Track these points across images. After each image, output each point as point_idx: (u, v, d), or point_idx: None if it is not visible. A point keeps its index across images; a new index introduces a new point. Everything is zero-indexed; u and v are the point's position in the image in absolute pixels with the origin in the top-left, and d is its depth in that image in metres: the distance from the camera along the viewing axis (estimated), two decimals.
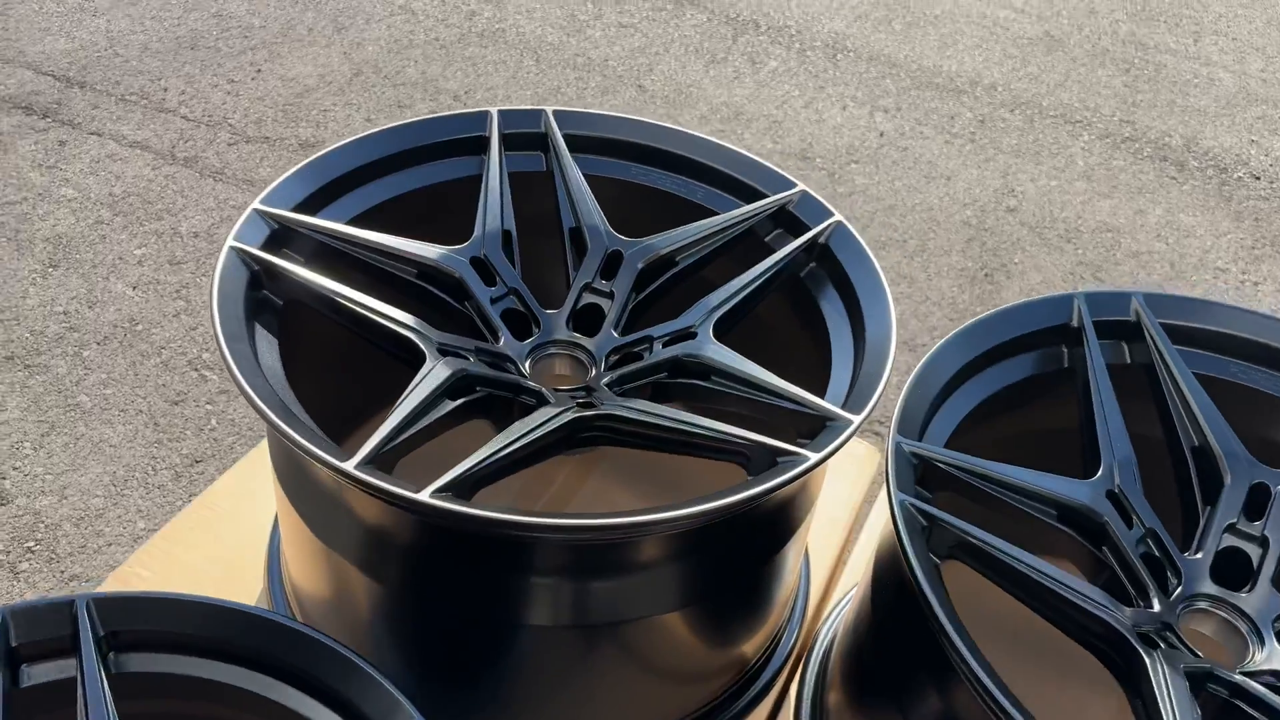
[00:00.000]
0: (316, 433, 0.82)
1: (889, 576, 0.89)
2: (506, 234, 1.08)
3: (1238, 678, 0.81)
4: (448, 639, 0.94)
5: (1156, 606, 0.86)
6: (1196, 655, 0.83)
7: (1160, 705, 0.74)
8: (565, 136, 1.17)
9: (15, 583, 1.60)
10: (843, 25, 3.47)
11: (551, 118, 1.17)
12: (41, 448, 1.80)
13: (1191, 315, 1.04)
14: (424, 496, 0.75)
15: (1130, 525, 0.90)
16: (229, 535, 1.17)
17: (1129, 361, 1.03)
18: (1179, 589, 0.89)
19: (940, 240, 2.65)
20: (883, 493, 1.01)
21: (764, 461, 0.86)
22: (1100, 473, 0.92)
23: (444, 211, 1.12)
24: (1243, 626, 0.89)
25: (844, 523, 1.34)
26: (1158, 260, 2.68)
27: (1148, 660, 0.78)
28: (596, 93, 3.02)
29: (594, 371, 1.01)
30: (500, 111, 1.16)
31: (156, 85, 2.75)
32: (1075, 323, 1.01)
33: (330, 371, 1.00)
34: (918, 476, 0.87)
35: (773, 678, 1.13)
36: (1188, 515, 0.95)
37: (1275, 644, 0.87)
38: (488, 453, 0.82)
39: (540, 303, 1.06)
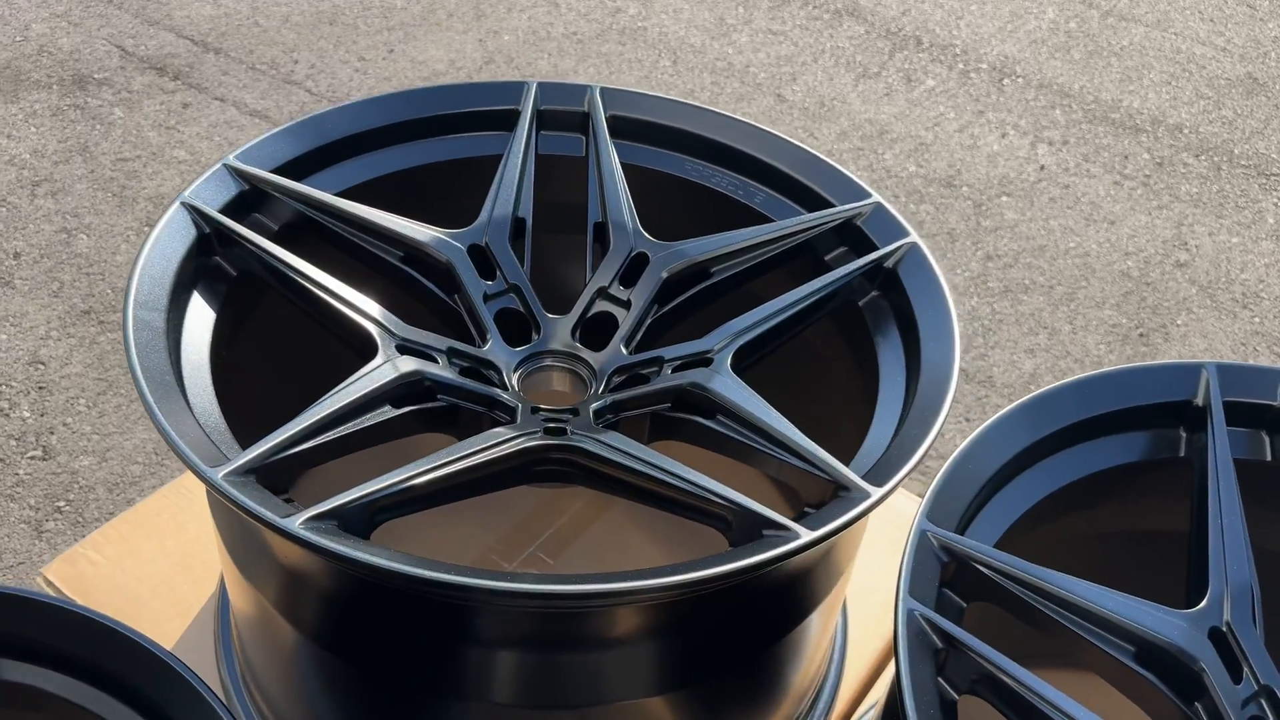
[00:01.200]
0: (205, 426, 0.69)
1: (893, 703, 0.69)
2: (519, 222, 0.93)
3: None
4: (374, 703, 0.79)
5: None
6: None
7: None
8: (612, 119, 1.01)
9: (38, 542, 1.56)
10: (1015, 49, 3.18)
11: (598, 95, 1.01)
12: (95, 406, 1.76)
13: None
14: (290, 523, 0.60)
15: (1238, 679, 0.68)
16: (194, 526, 1.06)
17: (1270, 459, 0.80)
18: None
19: (1093, 291, 2.36)
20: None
21: (748, 531, 0.68)
22: (1205, 603, 0.69)
23: (458, 193, 0.98)
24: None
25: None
26: None
27: None
28: (731, 99, 2.85)
29: (591, 391, 0.85)
30: (541, 84, 1.02)
31: (288, 57, 2.75)
32: (1200, 400, 0.78)
33: (276, 360, 0.87)
34: (946, 579, 0.66)
35: None
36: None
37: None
38: (398, 478, 0.66)
39: (548, 305, 0.91)
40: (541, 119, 1.01)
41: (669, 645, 0.74)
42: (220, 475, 0.62)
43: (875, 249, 0.89)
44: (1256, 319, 2.33)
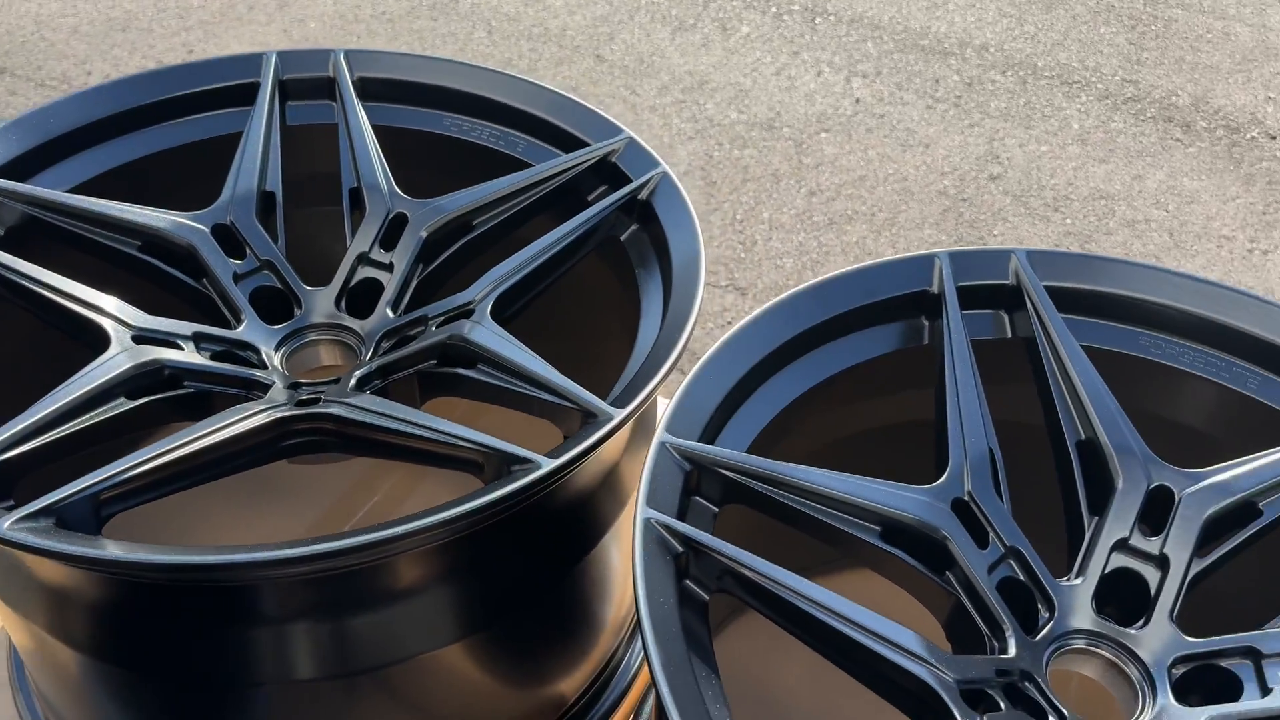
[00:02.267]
0: None
1: None
2: (267, 196, 0.91)
3: None
4: (174, 709, 0.77)
5: (1013, 650, 0.67)
6: (1063, 715, 0.64)
7: None
8: (360, 81, 0.99)
9: None
10: None
11: (343, 59, 0.99)
12: None
13: (1089, 276, 0.84)
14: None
15: (984, 544, 0.71)
16: None
17: (1010, 335, 0.84)
18: (1050, 624, 0.70)
19: (913, 213, 2.43)
20: None
21: (498, 470, 0.68)
22: (946, 477, 0.72)
23: (202, 176, 0.94)
24: (1133, 671, 0.69)
25: None
26: (1155, 229, 2.44)
27: (953, 711, 0.59)
28: (550, 64, 2.84)
29: (360, 360, 0.84)
30: (281, 53, 0.99)
31: (80, 69, 2.62)
32: (936, 288, 0.82)
33: (5, 369, 0.83)
34: (695, 486, 0.68)
35: (605, 716, 0.95)
36: (1072, 529, 0.75)
37: (1170, 698, 0.67)
38: (121, 466, 0.64)
39: (313, 279, 0.89)
40: (285, 89, 0.99)
41: (456, 590, 0.74)
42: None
43: (629, 183, 0.90)
44: (1068, 220, 2.44)
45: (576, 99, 0.97)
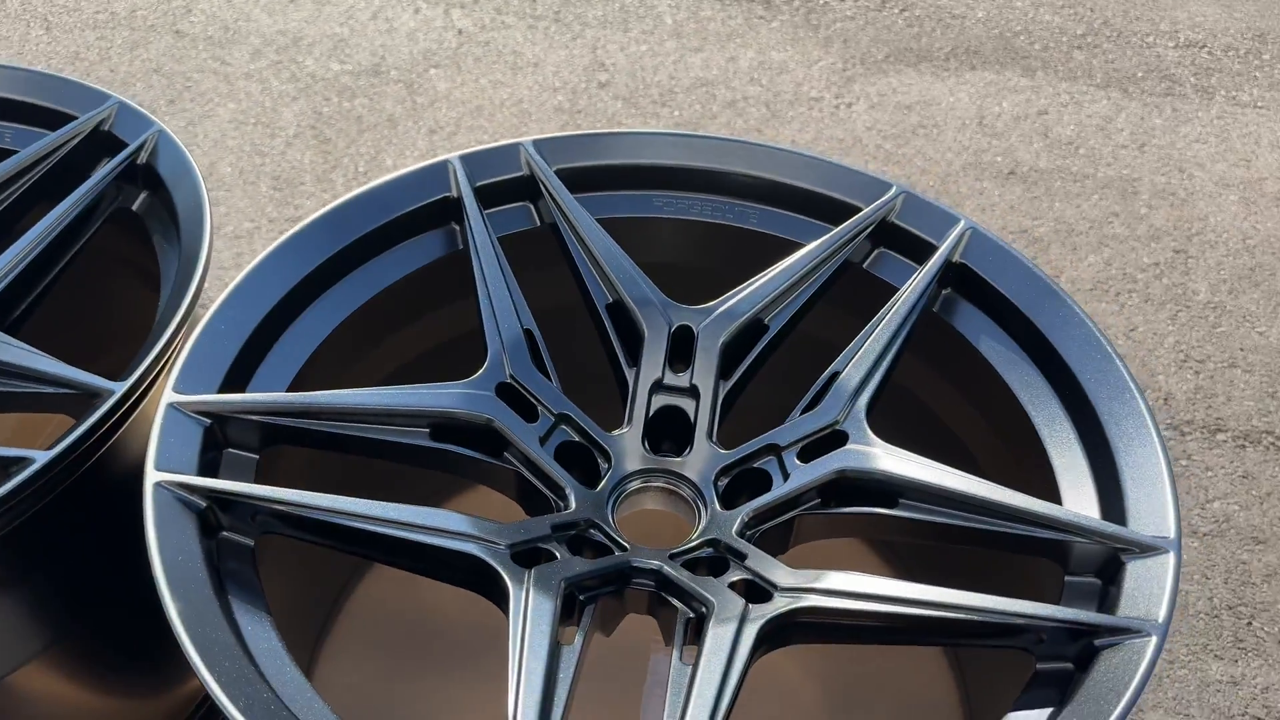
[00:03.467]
0: None
1: None
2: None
3: (659, 564, 0.67)
4: None
5: (573, 504, 0.71)
6: (622, 548, 0.69)
7: (511, 629, 0.59)
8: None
9: None
10: None
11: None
12: None
13: (596, 153, 0.88)
14: None
15: (534, 418, 0.75)
16: None
17: (539, 223, 0.87)
18: (609, 473, 0.75)
19: (533, 132, 2.47)
20: None
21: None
22: (485, 366, 0.75)
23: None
24: (685, 492, 0.75)
25: None
26: (754, 104, 2.62)
27: (511, 582, 0.62)
28: (124, 49, 2.62)
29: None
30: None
31: None
32: (455, 193, 0.83)
33: None
34: (227, 439, 0.67)
35: None
36: (619, 384, 0.80)
37: (718, 505, 0.74)
38: None
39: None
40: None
41: (17, 604, 0.69)
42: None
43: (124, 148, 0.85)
44: (676, 112, 2.57)
45: (52, 73, 0.90)
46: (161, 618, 0.81)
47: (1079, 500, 0.66)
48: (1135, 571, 0.60)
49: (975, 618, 0.59)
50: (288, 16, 2.77)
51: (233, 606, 0.57)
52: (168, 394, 0.64)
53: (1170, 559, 0.59)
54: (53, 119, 0.90)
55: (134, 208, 0.86)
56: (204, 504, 0.61)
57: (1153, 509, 0.62)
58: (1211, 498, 1.82)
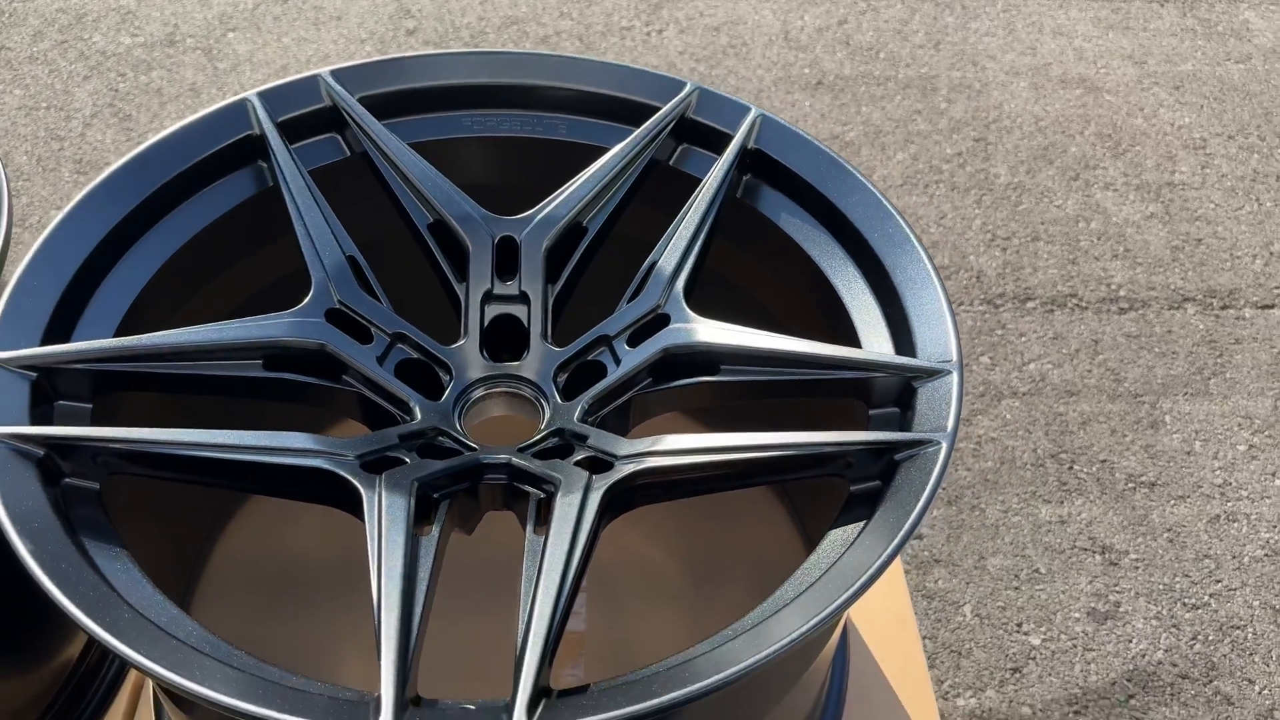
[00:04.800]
0: None
1: None
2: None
3: (506, 456, 0.71)
4: None
5: (419, 415, 0.74)
6: (470, 448, 0.72)
7: (368, 531, 0.62)
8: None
9: None
10: None
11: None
12: None
13: (397, 78, 0.89)
14: None
15: (368, 339, 0.77)
16: None
17: (349, 154, 0.88)
18: (451, 384, 0.78)
19: None
20: None
21: None
22: (311, 294, 0.76)
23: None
24: (527, 393, 0.79)
25: None
26: (566, 38, 2.64)
27: (363, 488, 0.65)
28: None
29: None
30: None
31: None
32: (258, 130, 0.83)
33: None
34: (58, 391, 0.66)
35: (121, 666, 0.93)
36: (451, 300, 0.83)
37: (559, 398, 0.78)
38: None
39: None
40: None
41: None
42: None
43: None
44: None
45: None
46: (22, 595, 0.81)
47: (876, 343, 0.73)
48: (925, 394, 0.67)
49: (793, 452, 0.65)
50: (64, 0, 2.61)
51: (86, 546, 0.58)
52: None
53: (954, 378, 0.66)
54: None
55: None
56: (41, 452, 0.61)
57: (937, 341, 0.69)
58: (1027, 360, 1.98)
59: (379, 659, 0.54)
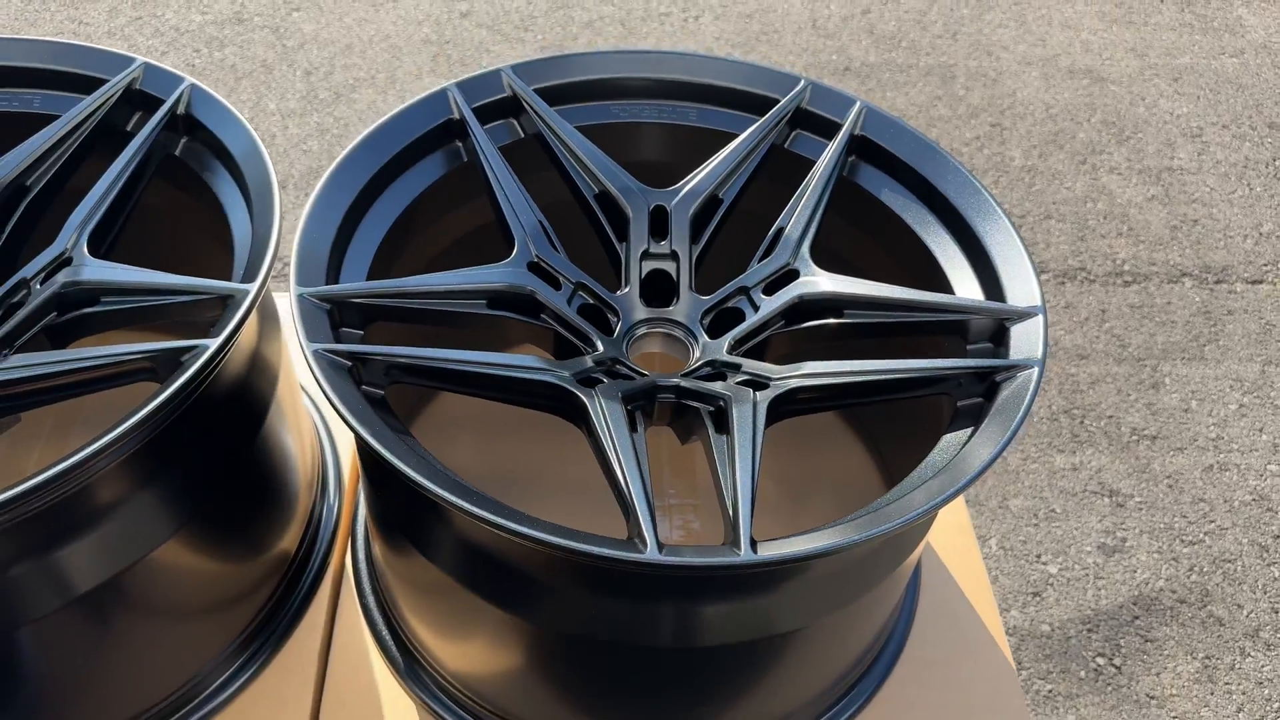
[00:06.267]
0: None
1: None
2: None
3: (675, 380, 0.89)
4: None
5: (601, 348, 0.93)
6: (640, 375, 0.91)
7: (600, 434, 0.80)
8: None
9: None
10: None
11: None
12: None
13: (562, 72, 1.07)
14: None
15: (558, 287, 0.95)
16: None
17: (523, 135, 1.06)
18: (619, 324, 0.96)
19: (407, 66, 2.59)
20: None
21: (169, 365, 0.80)
22: (515, 251, 0.95)
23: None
24: (679, 333, 0.98)
25: None
26: (609, 23, 2.80)
27: (586, 399, 0.83)
28: None
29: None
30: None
31: None
32: (458, 115, 1.01)
33: None
34: (341, 320, 0.85)
35: (324, 559, 1.11)
36: (613, 257, 1.01)
37: (706, 337, 0.96)
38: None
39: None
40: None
41: (158, 491, 0.85)
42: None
43: (163, 104, 0.99)
44: (539, 36, 2.73)
45: (81, 44, 1.02)
46: (263, 500, 0.99)
47: (968, 293, 0.92)
48: (1017, 332, 0.86)
49: (915, 374, 0.84)
50: None
51: (393, 430, 0.77)
52: (294, 289, 0.82)
53: (1040, 318, 0.85)
54: (80, 83, 1.02)
55: (176, 153, 1.00)
56: (349, 364, 0.79)
57: (1026, 290, 0.88)
58: None
59: (632, 518, 0.73)
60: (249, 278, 0.84)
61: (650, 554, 0.69)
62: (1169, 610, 1.71)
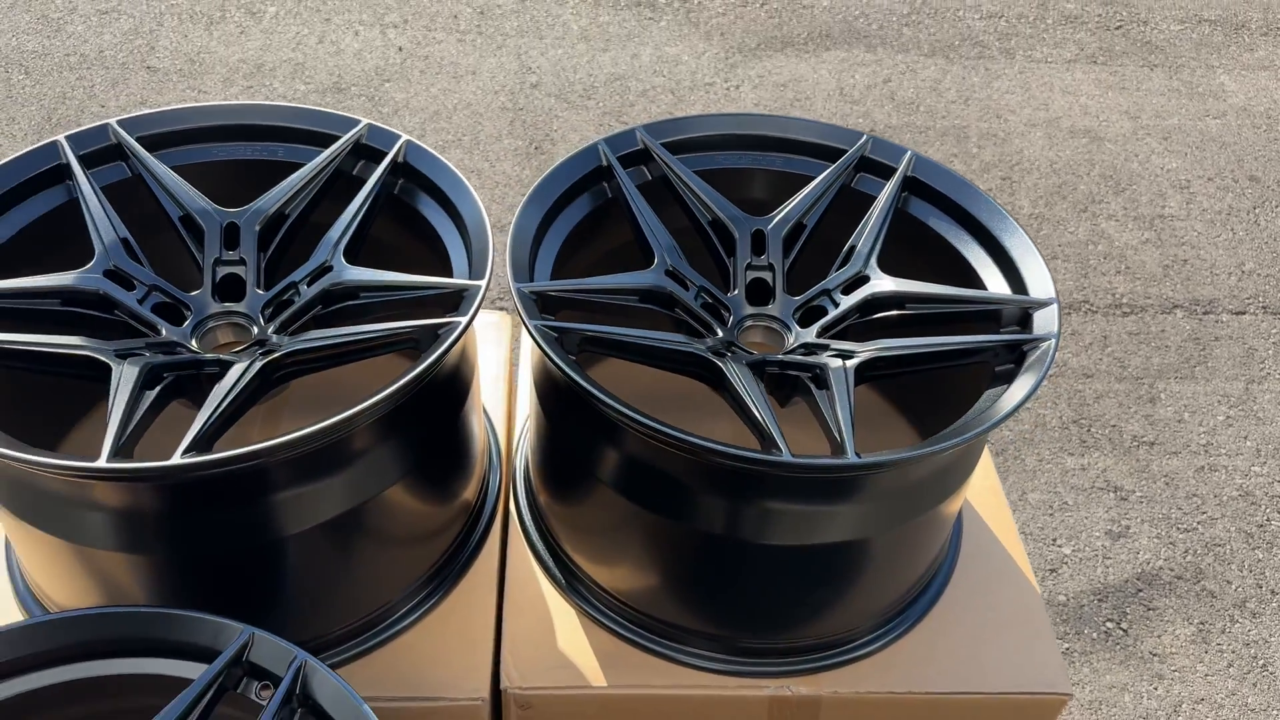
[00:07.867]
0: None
1: (546, 385, 1.19)
2: (125, 241, 1.21)
3: (780, 357, 1.20)
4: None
5: (720, 334, 1.24)
6: (751, 353, 1.22)
7: (737, 387, 1.11)
8: (140, 140, 1.30)
9: None
10: None
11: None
12: None
13: (679, 131, 1.40)
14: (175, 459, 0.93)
15: (687, 288, 1.27)
16: None
17: (650, 178, 1.38)
18: (731, 318, 1.27)
19: (489, 129, 2.93)
20: (524, 348, 1.30)
21: (429, 338, 1.11)
22: (655, 262, 1.26)
23: (46, 249, 1.22)
24: (776, 325, 1.29)
25: (503, 378, 1.63)
26: (661, 92, 3.16)
27: (721, 364, 1.14)
28: (105, 86, 2.93)
29: (257, 329, 1.19)
30: (68, 137, 1.26)
31: None
32: (605, 163, 1.34)
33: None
34: (540, 307, 1.16)
35: (495, 506, 1.41)
36: (722, 269, 1.33)
37: (799, 327, 1.27)
38: (205, 416, 1.00)
39: (183, 290, 1.22)
40: (85, 161, 1.27)
41: (400, 441, 1.15)
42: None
43: (384, 154, 1.32)
44: (600, 103, 3.08)
45: (315, 108, 1.35)
46: (458, 461, 1.29)
47: (999, 289, 1.23)
48: (1038, 315, 1.17)
49: (965, 346, 1.15)
50: (243, 46, 3.11)
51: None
52: (513, 284, 1.13)
53: (1055, 306, 1.17)
54: (315, 138, 1.35)
55: (395, 192, 1.33)
56: (556, 334, 1.11)
57: (1044, 286, 1.20)
58: None
59: (766, 438, 1.04)
60: (476, 276, 1.16)
61: (786, 456, 1.00)
62: (1168, 584, 1.99)
